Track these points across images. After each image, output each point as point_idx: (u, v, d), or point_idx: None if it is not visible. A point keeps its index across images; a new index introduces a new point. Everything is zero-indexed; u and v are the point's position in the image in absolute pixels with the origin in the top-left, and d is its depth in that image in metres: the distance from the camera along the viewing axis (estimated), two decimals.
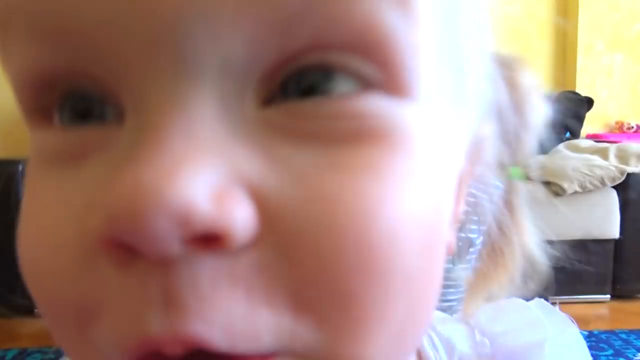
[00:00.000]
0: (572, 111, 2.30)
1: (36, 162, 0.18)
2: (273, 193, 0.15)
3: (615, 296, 1.89)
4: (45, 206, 0.17)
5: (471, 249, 1.27)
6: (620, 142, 2.13)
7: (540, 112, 0.46)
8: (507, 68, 0.37)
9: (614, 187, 1.80)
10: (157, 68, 0.15)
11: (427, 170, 0.17)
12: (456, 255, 1.28)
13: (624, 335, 1.57)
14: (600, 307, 1.85)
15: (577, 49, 2.68)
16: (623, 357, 1.44)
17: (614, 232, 1.81)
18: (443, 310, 1.19)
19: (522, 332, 0.39)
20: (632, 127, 2.63)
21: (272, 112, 0.16)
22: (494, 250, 0.93)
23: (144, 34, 0.14)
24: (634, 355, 1.45)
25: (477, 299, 0.61)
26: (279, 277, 0.15)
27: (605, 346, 1.49)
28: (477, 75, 0.23)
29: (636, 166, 1.78)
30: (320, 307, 0.15)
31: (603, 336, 1.56)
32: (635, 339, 1.54)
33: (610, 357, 1.44)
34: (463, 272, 1.30)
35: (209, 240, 0.14)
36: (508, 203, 0.99)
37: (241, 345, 0.14)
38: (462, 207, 0.27)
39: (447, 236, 0.22)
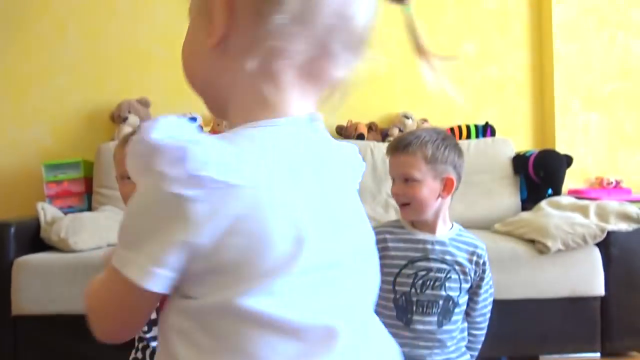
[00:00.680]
0: (552, 169, 2.38)
1: None
2: None
3: (605, 354, 1.89)
4: None
5: (457, 309, 1.29)
6: (600, 198, 2.20)
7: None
8: None
9: (597, 244, 1.84)
10: None
11: None
12: (441, 316, 1.30)
13: None
14: None
15: (554, 108, 2.81)
16: None
17: (599, 289, 1.84)
18: None
19: None
20: (612, 183, 2.72)
21: None
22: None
23: None
24: None
25: None
26: None
27: None
28: None
29: (615, 224, 1.84)
30: None
31: None
32: None
33: None
34: (449, 333, 1.31)
35: None
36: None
37: None
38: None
39: None
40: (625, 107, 2.84)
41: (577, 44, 2.82)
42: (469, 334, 1.37)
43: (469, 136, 2.70)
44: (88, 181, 2.51)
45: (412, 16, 0.52)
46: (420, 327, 1.27)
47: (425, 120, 2.79)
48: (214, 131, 2.66)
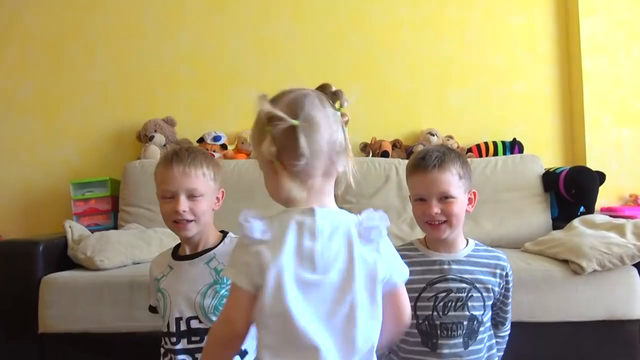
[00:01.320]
0: (584, 186, 2.31)
1: None
2: None
3: None
4: None
5: (481, 328, 1.24)
6: (636, 216, 2.12)
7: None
8: None
9: (635, 265, 1.76)
10: None
11: None
12: (466, 337, 1.26)
13: None
14: None
15: (584, 124, 2.74)
16: None
17: (638, 312, 1.76)
18: None
19: None
20: None
21: None
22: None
23: None
24: None
25: None
26: None
27: None
28: None
29: None
30: None
31: None
32: None
33: None
34: (476, 354, 1.26)
35: None
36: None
37: None
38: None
39: None
40: None
41: (606, 59, 2.76)
42: (496, 340, 1.33)
43: (495, 153, 2.65)
44: (114, 199, 2.54)
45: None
46: (446, 350, 1.23)
47: (450, 137, 2.75)
48: (237, 149, 2.67)
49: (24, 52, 2.81)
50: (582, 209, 2.36)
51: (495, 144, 2.67)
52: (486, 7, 2.87)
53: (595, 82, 2.75)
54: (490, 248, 1.35)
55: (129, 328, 1.73)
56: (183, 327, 1.26)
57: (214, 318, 1.27)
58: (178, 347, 1.25)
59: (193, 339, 1.26)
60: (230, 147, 2.65)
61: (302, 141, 0.86)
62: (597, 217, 2.11)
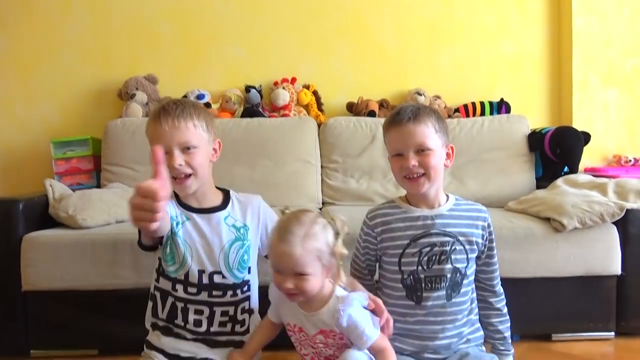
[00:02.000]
0: (569, 146, 2.32)
1: None
2: None
3: (619, 333, 1.86)
4: None
5: (465, 281, 1.26)
6: (618, 176, 2.14)
7: None
8: None
9: (614, 223, 1.79)
10: None
11: None
12: (449, 289, 1.28)
13: None
14: (605, 344, 1.81)
15: (572, 85, 2.73)
16: None
17: (616, 269, 1.80)
18: (443, 347, 1.20)
19: None
20: (630, 161, 2.65)
21: None
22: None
23: None
24: None
25: None
26: None
27: None
28: None
29: (635, 202, 1.78)
30: None
31: None
32: None
33: None
34: (459, 305, 1.30)
35: None
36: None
37: None
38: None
39: None
40: None
41: (597, 18, 2.73)
42: (496, 309, 1.34)
43: (483, 113, 2.63)
44: (96, 158, 2.50)
45: None
46: (430, 303, 1.26)
47: (438, 97, 2.72)
48: (222, 108, 2.62)
49: None
50: (566, 168, 2.38)
51: (482, 104, 2.66)
52: None
53: (584, 42, 2.73)
54: (470, 202, 1.36)
55: (113, 285, 1.73)
56: (205, 281, 1.27)
57: (237, 273, 1.29)
58: (197, 297, 1.26)
59: (214, 292, 1.27)
60: (214, 106, 2.60)
61: None
62: (580, 177, 2.12)
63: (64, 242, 1.75)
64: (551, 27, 2.82)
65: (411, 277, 1.27)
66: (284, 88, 2.64)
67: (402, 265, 1.28)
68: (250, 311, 1.33)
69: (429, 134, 1.24)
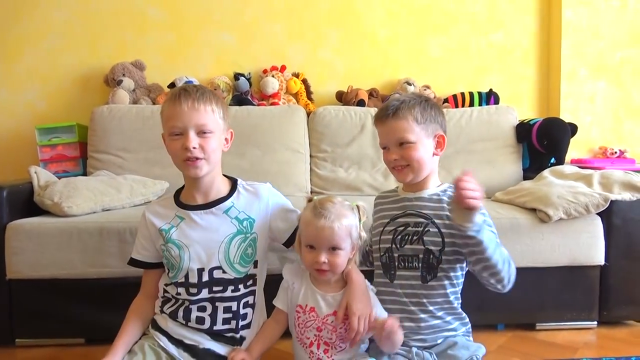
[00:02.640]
0: (556, 137, 2.33)
1: None
2: None
3: (602, 322, 1.89)
4: None
5: (441, 265, 1.27)
6: (604, 168, 2.16)
7: None
8: None
9: (599, 214, 1.81)
10: None
11: None
12: (425, 271, 1.30)
13: None
14: (588, 333, 1.85)
15: (560, 75, 2.74)
16: None
17: (600, 259, 1.82)
18: (426, 333, 1.21)
19: None
20: (615, 153, 2.68)
21: None
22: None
23: None
24: None
25: None
26: None
27: None
28: None
29: (619, 193, 1.80)
30: None
31: None
32: None
33: None
34: (435, 290, 1.31)
35: None
36: None
37: None
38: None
39: None
40: (633, 76, 2.77)
41: (586, 10, 2.74)
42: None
43: (472, 103, 2.64)
44: (83, 146, 2.47)
45: None
46: (403, 282, 1.29)
47: (427, 87, 2.72)
48: None
49: None
50: (553, 160, 2.40)
51: (471, 94, 2.66)
52: None
53: (573, 34, 2.74)
54: None
55: (99, 274, 1.71)
56: (205, 278, 1.26)
57: (239, 268, 1.27)
58: (199, 296, 1.25)
59: (215, 288, 1.26)
60: None
61: None
62: (567, 168, 2.14)
63: (49, 230, 1.73)
64: (541, 18, 2.83)
65: (387, 254, 1.32)
66: (273, 76, 2.62)
67: (381, 242, 1.34)
68: (253, 305, 1.31)
69: (408, 128, 1.28)
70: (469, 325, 1.35)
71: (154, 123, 2.34)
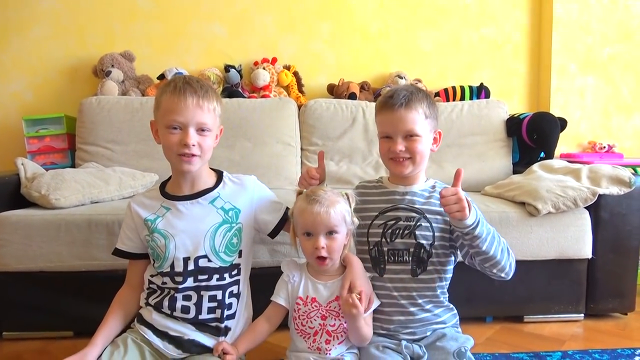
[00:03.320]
0: (546, 131, 2.35)
1: None
2: None
3: (588, 315, 1.92)
4: None
5: (431, 259, 1.28)
6: (592, 162, 2.18)
7: None
8: None
9: (587, 207, 1.83)
10: None
11: None
12: (415, 264, 1.31)
13: (597, 356, 1.58)
14: (575, 326, 1.87)
15: (550, 70, 2.75)
16: None
17: (587, 252, 1.84)
18: (416, 327, 1.22)
19: None
20: (604, 147, 2.70)
21: None
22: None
23: None
24: None
25: None
26: None
27: None
28: None
29: (607, 187, 1.82)
30: None
31: (577, 356, 1.58)
32: (608, 359, 1.56)
33: None
34: (425, 283, 1.32)
35: None
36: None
37: None
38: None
39: None
40: (622, 71, 2.80)
41: (577, 6, 2.75)
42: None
43: (462, 97, 2.64)
44: (71, 137, 2.44)
45: None
46: (393, 275, 1.29)
47: (419, 81, 2.72)
48: None
49: None
50: (542, 154, 2.41)
51: (462, 88, 2.67)
52: None
53: (564, 29, 2.75)
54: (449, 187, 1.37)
55: (87, 267, 1.70)
56: (191, 267, 1.26)
57: (224, 257, 1.27)
58: (184, 285, 1.25)
59: (200, 277, 1.26)
60: None
61: None
62: (556, 162, 2.16)
63: (36, 222, 1.71)
64: (532, 13, 2.84)
65: (376, 248, 1.32)
66: (264, 68, 2.61)
67: (370, 236, 1.33)
68: (238, 295, 1.32)
69: (418, 120, 1.27)
70: (458, 317, 1.37)
71: (144, 115, 2.33)
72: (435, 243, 1.29)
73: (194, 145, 1.21)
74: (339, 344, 1.25)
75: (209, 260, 1.26)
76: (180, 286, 1.25)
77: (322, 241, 1.21)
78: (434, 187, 1.35)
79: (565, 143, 2.72)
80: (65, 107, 2.54)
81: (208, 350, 1.26)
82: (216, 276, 1.27)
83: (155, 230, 1.27)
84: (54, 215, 1.73)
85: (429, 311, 1.31)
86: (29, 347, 1.71)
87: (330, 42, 2.75)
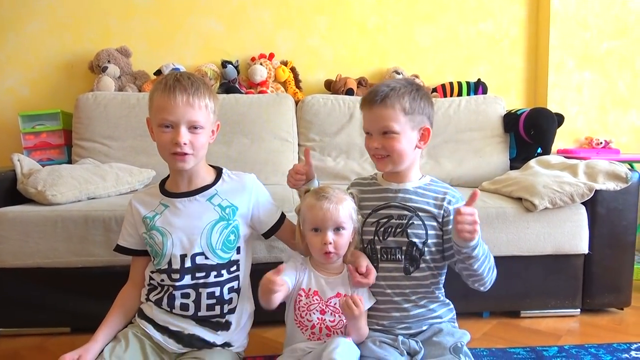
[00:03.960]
0: (543, 127, 2.35)
1: None
2: None
3: (585, 310, 1.92)
4: None
5: (424, 257, 1.28)
6: (589, 158, 2.18)
7: None
8: None
9: (583, 203, 1.83)
10: None
11: None
12: (407, 263, 1.31)
13: (593, 350, 1.59)
14: (571, 321, 1.88)
15: (548, 66, 2.75)
16: None
17: (584, 247, 1.85)
18: (412, 322, 1.21)
19: None
20: (601, 143, 2.71)
21: None
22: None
23: None
24: None
25: None
26: None
27: None
28: None
29: (604, 183, 1.82)
30: None
31: (573, 351, 1.59)
32: (604, 354, 1.56)
33: None
34: (417, 280, 1.32)
35: None
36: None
37: None
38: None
39: None
40: (619, 67, 2.80)
41: (574, 0, 2.74)
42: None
43: (460, 93, 2.64)
44: (67, 133, 2.43)
45: None
46: (386, 274, 1.29)
47: (416, 76, 2.72)
48: None
49: None
50: (539, 150, 2.42)
51: (460, 84, 2.66)
52: None
53: (561, 24, 2.74)
54: (447, 185, 1.37)
55: (84, 263, 1.70)
56: (188, 264, 1.25)
57: (221, 254, 1.27)
58: (181, 282, 1.25)
59: (198, 274, 1.26)
60: None
61: None
62: (553, 158, 2.16)
63: (33, 218, 1.70)
64: (529, 8, 2.83)
65: (369, 246, 1.32)
66: (261, 64, 2.60)
67: (363, 234, 1.33)
68: (238, 290, 1.32)
69: (395, 117, 1.24)
70: (454, 312, 1.37)
71: (140, 111, 2.32)
72: (428, 241, 1.29)
73: (185, 144, 1.20)
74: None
75: (206, 258, 1.26)
76: (178, 284, 1.25)
77: (330, 236, 1.23)
78: (428, 184, 1.34)
79: (562, 139, 2.73)
80: (62, 103, 2.52)
81: (208, 344, 1.27)
82: (214, 273, 1.27)
83: (153, 228, 1.27)
84: (50, 212, 1.72)
85: (424, 306, 1.31)
86: (26, 343, 1.71)
87: (327, 38, 2.74)
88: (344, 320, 1.25)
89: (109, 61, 2.50)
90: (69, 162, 2.35)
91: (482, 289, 1.31)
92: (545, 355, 1.56)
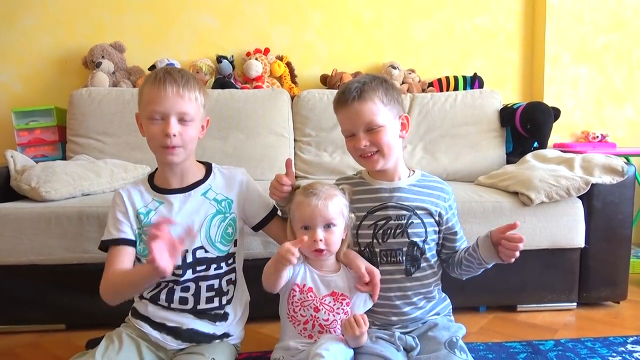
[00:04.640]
0: (539, 121, 2.34)
1: None
2: None
3: (581, 304, 1.93)
4: None
5: (424, 255, 1.27)
6: (585, 152, 2.18)
7: None
8: None
9: (580, 197, 1.83)
10: None
11: None
12: (409, 263, 1.30)
13: (589, 344, 1.59)
14: (567, 314, 1.88)
15: (544, 60, 2.75)
16: None
17: (580, 241, 1.85)
18: (409, 322, 1.20)
19: None
20: (597, 137, 2.71)
21: None
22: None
23: None
24: None
25: None
26: None
27: (572, 355, 1.51)
28: None
29: (600, 177, 1.82)
30: None
31: (569, 345, 1.59)
32: (600, 347, 1.57)
33: None
34: (419, 281, 1.32)
35: None
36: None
37: None
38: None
39: None
40: (615, 61, 2.79)
41: None
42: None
43: (456, 87, 2.64)
44: (61, 129, 2.41)
45: None
46: (387, 276, 1.27)
47: (412, 71, 2.71)
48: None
49: None
50: (535, 144, 2.41)
51: (456, 78, 2.66)
52: None
53: (557, 18, 2.74)
54: (437, 179, 1.36)
55: (79, 259, 1.69)
56: (190, 259, 1.25)
57: (221, 247, 1.28)
58: (184, 277, 1.25)
59: (199, 268, 1.26)
60: None
61: None
62: (549, 152, 2.16)
63: (27, 215, 1.69)
64: (525, 2, 2.82)
65: (367, 250, 1.29)
66: (256, 59, 2.58)
67: (360, 237, 1.30)
68: (234, 282, 1.33)
69: (376, 110, 1.21)
70: (450, 306, 1.36)
71: (135, 106, 2.27)
72: (428, 238, 1.28)
73: (175, 135, 1.19)
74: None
75: (206, 251, 1.26)
76: (181, 279, 1.25)
77: (320, 234, 1.20)
78: (421, 180, 1.33)
79: (559, 133, 2.72)
80: (55, 99, 2.51)
81: (207, 337, 1.26)
82: (214, 266, 1.27)
83: (148, 224, 1.25)
84: (44, 208, 1.71)
85: (422, 308, 1.30)
86: (21, 340, 1.70)
87: (322, 33, 2.73)
88: (338, 321, 1.23)
89: (102, 57, 2.48)
90: (63, 158, 2.33)
91: (462, 279, 1.35)
92: (542, 349, 1.56)
